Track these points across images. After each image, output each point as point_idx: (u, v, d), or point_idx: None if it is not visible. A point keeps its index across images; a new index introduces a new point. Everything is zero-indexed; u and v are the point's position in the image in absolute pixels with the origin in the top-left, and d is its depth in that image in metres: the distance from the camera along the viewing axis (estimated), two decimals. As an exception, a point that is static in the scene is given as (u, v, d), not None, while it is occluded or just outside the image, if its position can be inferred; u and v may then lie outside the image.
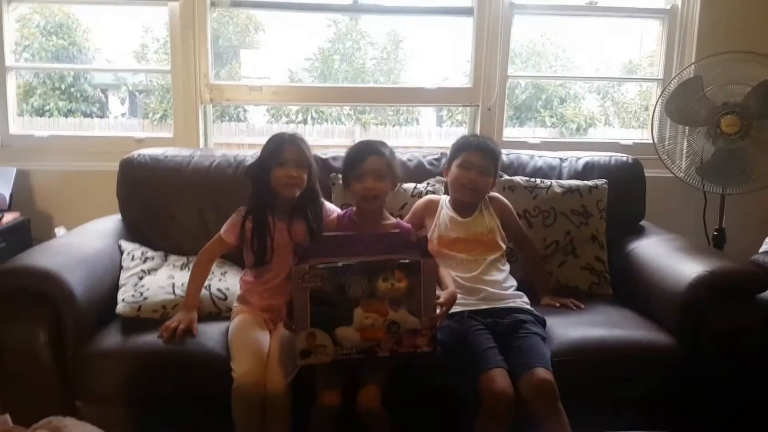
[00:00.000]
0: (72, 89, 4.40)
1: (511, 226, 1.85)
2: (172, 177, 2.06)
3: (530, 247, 1.92)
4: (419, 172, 2.13)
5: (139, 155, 2.10)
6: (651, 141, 2.44)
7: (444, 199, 1.87)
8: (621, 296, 1.95)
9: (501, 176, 1.98)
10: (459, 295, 1.62)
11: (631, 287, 1.92)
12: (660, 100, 2.31)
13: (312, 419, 1.51)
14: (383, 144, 1.73)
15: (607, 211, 2.05)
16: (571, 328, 1.69)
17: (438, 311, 1.41)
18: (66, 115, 4.11)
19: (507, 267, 1.78)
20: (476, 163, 1.75)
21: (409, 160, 2.17)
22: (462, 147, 1.82)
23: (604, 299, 1.94)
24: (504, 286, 1.71)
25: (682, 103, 2.22)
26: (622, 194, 2.11)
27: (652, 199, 2.17)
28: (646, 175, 2.17)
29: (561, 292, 1.94)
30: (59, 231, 2.19)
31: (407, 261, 1.34)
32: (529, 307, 1.68)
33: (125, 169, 2.08)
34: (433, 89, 2.43)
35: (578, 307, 1.81)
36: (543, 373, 1.43)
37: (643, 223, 2.18)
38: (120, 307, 1.66)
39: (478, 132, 2.44)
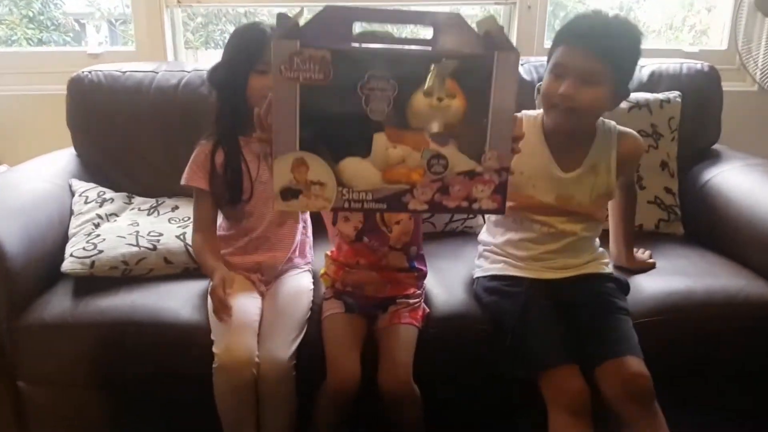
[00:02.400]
0: (41, 17, 3.92)
1: (628, 173, 1.30)
2: (132, 99, 1.63)
3: (632, 195, 1.36)
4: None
5: (90, 73, 1.66)
6: (721, 48, 2.02)
7: (534, 121, 1.22)
8: (694, 235, 1.58)
9: (628, 92, 1.20)
10: (520, 261, 1.23)
11: (709, 225, 1.54)
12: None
13: (320, 404, 1.16)
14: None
15: (679, 132, 1.64)
16: (646, 279, 1.33)
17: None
18: (38, 46, 3.62)
19: (602, 224, 1.30)
20: (572, 66, 1.09)
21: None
22: (559, 35, 1.15)
23: (675, 240, 1.57)
24: (586, 252, 1.26)
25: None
26: (697, 111, 1.68)
27: (726, 117, 1.75)
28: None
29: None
30: (1, 170, 1.78)
31: (469, 52, 0.78)
32: (611, 270, 1.27)
33: (74, 90, 1.65)
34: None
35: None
36: (635, 364, 1.06)
37: (717, 146, 1.78)
38: (67, 264, 1.27)
39: (514, 38, 1.98)
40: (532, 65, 1.75)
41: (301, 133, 0.79)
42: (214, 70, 1.25)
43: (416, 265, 1.24)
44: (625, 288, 1.25)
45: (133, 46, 1.92)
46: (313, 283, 1.30)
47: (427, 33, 0.83)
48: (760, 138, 1.97)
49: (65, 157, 1.67)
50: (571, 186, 1.20)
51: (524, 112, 1.26)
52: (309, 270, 1.34)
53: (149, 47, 1.90)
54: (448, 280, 1.32)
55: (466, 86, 0.78)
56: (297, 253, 1.32)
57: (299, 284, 1.27)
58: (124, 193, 1.57)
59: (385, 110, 0.78)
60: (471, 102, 0.79)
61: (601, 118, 1.23)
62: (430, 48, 0.80)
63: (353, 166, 0.81)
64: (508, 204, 0.86)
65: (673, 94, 1.64)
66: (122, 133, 1.64)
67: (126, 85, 1.65)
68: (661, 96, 1.63)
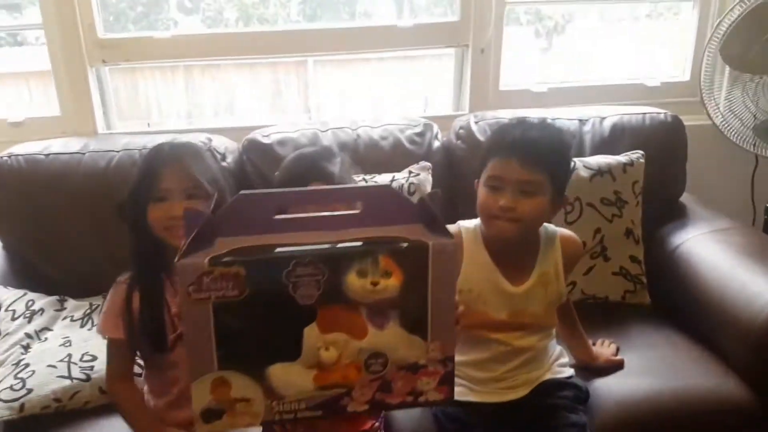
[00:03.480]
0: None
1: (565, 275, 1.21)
2: (58, 185, 1.48)
3: (567, 302, 1.25)
4: (397, 156, 1.60)
5: (10, 157, 1.50)
6: (685, 80, 1.95)
7: (474, 233, 1.17)
8: (661, 305, 1.53)
9: (566, 198, 1.16)
10: (480, 385, 1.16)
11: (677, 298, 1.49)
12: (713, 37, 1.75)
13: None
14: (331, 153, 1.19)
15: (644, 192, 1.57)
16: (610, 379, 1.28)
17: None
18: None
19: (554, 329, 1.24)
20: (509, 178, 1.06)
21: (383, 137, 1.62)
22: (489, 148, 1.14)
23: (641, 313, 1.52)
24: (545, 361, 1.21)
25: (744, 44, 1.69)
26: (660, 167, 1.62)
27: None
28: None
29: (586, 304, 1.52)
30: None
31: (403, 245, 0.70)
32: (570, 372, 1.22)
33: (-6, 177, 1.50)
34: (408, 27, 1.82)
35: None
36: None
37: (683, 198, 1.73)
38: (-6, 411, 1.17)
39: (467, 83, 1.87)
40: (487, 123, 1.65)
41: (219, 352, 0.70)
42: (122, 204, 1.10)
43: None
44: (584, 394, 1.21)
45: (58, 110, 1.75)
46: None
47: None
48: (722, 173, 1.94)
49: (-10, 251, 1.53)
50: (523, 300, 1.14)
51: (460, 223, 1.19)
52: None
53: (75, 111, 1.73)
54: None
55: (402, 262, 0.70)
56: None
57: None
58: (55, 297, 1.43)
59: (315, 294, 0.69)
60: (409, 275, 0.71)
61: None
62: (360, 243, 0.71)
63: (281, 373, 0.72)
64: (461, 324, 0.83)
65: (636, 155, 1.57)
66: (50, 224, 1.49)
67: (50, 169, 1.50)
68: (623, 159, 1.55)
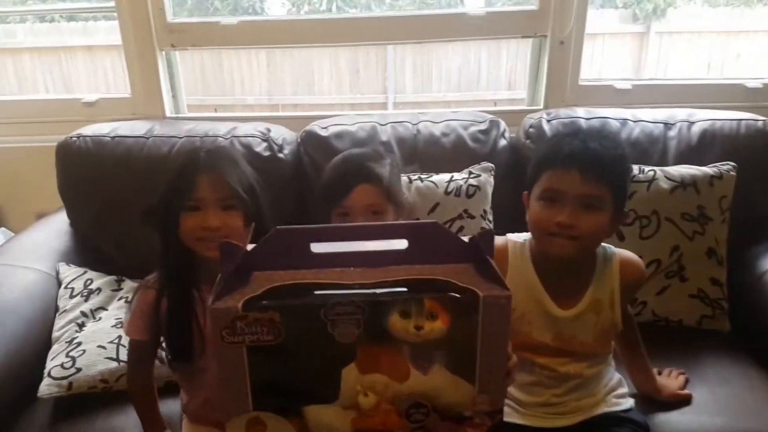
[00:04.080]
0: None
1: (625, 303, 1.10)
2: (123, 168, 1.51)
3: (630, 324, 1.14)
4: (459, 154, 1.52)
5: (78, 138, 1.55)
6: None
7: (522, 249, 1.08)
8: (741, 334, 1.39)
9: (624, 213, 1.06)
10: (526, 408, 1.09)
11: (759, 327, 1.34)
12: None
13: None
14: (380, 155, 1.14)
15: (732, 209, 1.42)
16: (675, 414, 1.16)
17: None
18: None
19: (611, 356, 1.14)
20: (570, 192, 0.97)
21: (444, 134, 1.54)
22: (545, 159, 1.03)
23: (718, 341, 1.38)
24: (597, 389, 1.11)
25: None
26: (753, 181, 1.46)
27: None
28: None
29: (657, 326, 1.40)
30: (-1, 235, 1.73)
31: (450, 295, 0.64)
32: (630, 404, 1.11)
33: (63, 157, 1.55)
34: (481, 15, 1.72)
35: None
36: None
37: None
38: (44, 388, 1.20)
39: (543, 75, 1.76)
40: (561, 122, 1.53)
41: (254, 393, 0.67)
42: (149, 209, 1.05)
43: None
44: (644, 428, 1.10)
45: (128, 92, 1.78)
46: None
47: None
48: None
49: (58, 226, 1.59)
50: (570, 325, 1.05)
51: (509, 236, 1.11)
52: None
53: (144, 94, 1.76)
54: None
55: (450, 307, 0.64)
56: None
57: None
58: (113, 278, 1.47)
59: (354, 333, 0.64)
60: (456, 320, 0.64)
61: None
62: (405, 289, 0.65)
63: (318, 415, 0.69)
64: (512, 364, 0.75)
65: (726, 167, 1.41)
66: (113, 205, 1.53)
67: (115, 152, 1.53)
68: (710, 171, 1.40)
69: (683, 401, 1.18)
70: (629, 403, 1.12)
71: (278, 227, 0.66)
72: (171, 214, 1.00)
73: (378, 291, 0.65)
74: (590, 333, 1.06)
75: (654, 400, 1.18)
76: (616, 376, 1.15)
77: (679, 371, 1.24)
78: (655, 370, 1.21)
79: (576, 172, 0.97)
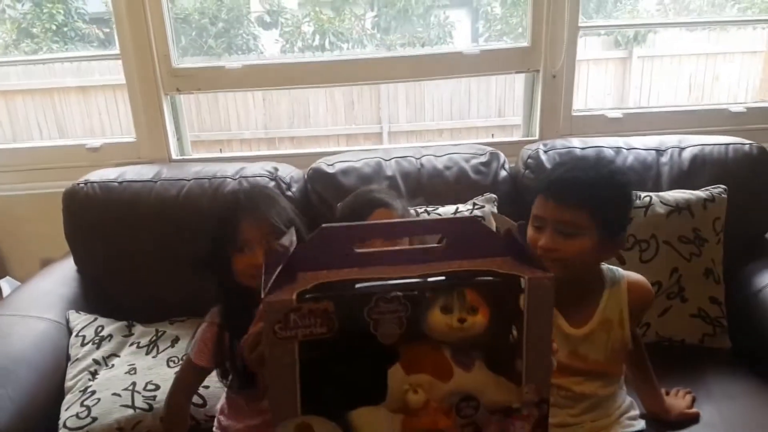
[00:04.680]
0: (65, 29, 3.89)
1: (634, 323, 1.13)
2: (131, 213, 1.54)
3: (639, 348, 1.18)
4: (462, 186, 1.56)
5: (86, 184, 1.57)
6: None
7: None
8: (742, 350, 1.42)
9: (622, 242, 1.12)
10: None
11: (759, 343, 1.38)
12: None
13: None
14: (389, 191, 1.22)
15: (726, 230, 1.47)
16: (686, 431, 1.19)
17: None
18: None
19: (623, 378, 1.17)
20: (549, 218, 1.04)
21: (447, 167, 1.59)
22: (538, 185, 1.14)
23: (720, 358, 1.41)
24: (611, 411, 1.14)
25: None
26: (744, 202, 1.51)
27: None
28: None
29: (661, 347, 1.43)
30: (4, 285, 1.73)
31: (490, 279, 0.66)
32: (640, 428, 1.14)
33: (70, 203, 1.57)
34: (476, 53, 1.78)
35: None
36: None
37: (768, 235, 1.60)
38: (61, 438, 1.21)
39: (537, 109, 1.82)
40: (557, 152, 1.59)
41: (303, 395, 0.66)
42: (199, 258, 1.11)
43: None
44: None
45: (133, 136, 1.82)
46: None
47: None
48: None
49: (65, 273, 1.60)
50: (583, 343, 1.09)
51: None
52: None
53: (149, 138, 1.80)
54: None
55: (491, 297, 0.66)
56: None
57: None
58: (123, 323, 1.48)
59: (397, 333, 0.65)
60: (496, 311, 0.66)
61: (607, 266, 1.13)
62: (443, 278, 0.66)
63: (366, 418, 0.68)
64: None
65: (717, 190, 1.46)
66: (121, 249, 1.55)
67: (123, 196, 1.56)
68: (703, 194, 1.45)
69: (692, 420, 1.21)
70: (641, 424, 1.15)
71: (323, 225, 0.68)
72: (222, 258, 1.07)
73: (421, 280, 0.66)
74: (602, 352, 1.09)
75: (663, 421, 1.21)
76: (628, 399, 1.18)
77: (686, 390, 1.27)
78: (663, 391, 1.24)
79: (551, 200, 1.04)
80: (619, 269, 1.14)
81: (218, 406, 1.21)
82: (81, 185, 1.57)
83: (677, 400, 1.25)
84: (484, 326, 0.65)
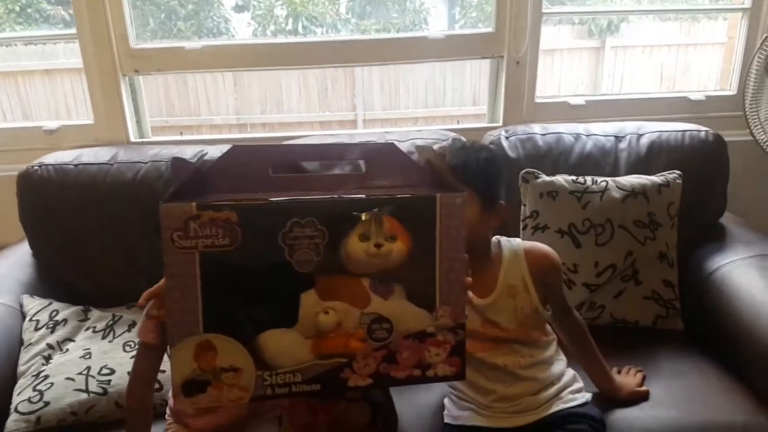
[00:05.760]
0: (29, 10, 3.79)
1: (552, 294, 1.19)
2: (86, 195, 1.51)
3: (574, 324, 1.22)
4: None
5: (40, 167, 1.54)
6: (731, 93, 1.85)
7: None
8: (693, 331, 1.46)
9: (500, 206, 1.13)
10: (485, 409, 1.14)
11: (709, 325, 1.41)
12: (760, 49, 1.66)
13: None
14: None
15: (680, 214, 1.49)
16: (634, 409, 1.21)
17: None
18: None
19: (552, 348, 1.20)
20: None
21: (410, 153, 1.57)
22: None
23: (673, 339, 1.44)
24: (548, 383, 1.16)
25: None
26: (699, 187, 1.54)
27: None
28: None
29: (615, 328, 1.46)
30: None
31: (408, 195, 0.66)
32: (584, 401, 1.16)
33: (24, 186, 1.54)
34: (441, 38, 1.78)
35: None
36: None
37: (723, 219, 1.63)
38: (10, 424, 1.18)
39: (501, 96, 1.82)
40: (518, 138, 1.60)
41: (205, 312, 0.64)
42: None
43: (384, 420, 1.14)
44: (599, 425, 1.14)
45: (91, 118, 1.78)
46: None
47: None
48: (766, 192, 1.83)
49: (20, 258, 1.57)
50: (491, 311, 1.14)
51: None
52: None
53: (107, 120, 1.76)
54: (416, 420, 1.22)
55: (408, 222, 0.66)
56: None
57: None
58: (79, 308, 1.46)
59: (314, 260, 0.64)
60: (416, 239, 0.66)
61: (506, 238, 1.20)
62: (363, 196, 0.66)
63: (275, 341, 0.66)
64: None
65: (672, 176, 1.49)
66: (77, 233, 1.52)
67: (79, 179, 1.53)
68: (658, 180, 1.47)
69: (642, 397, 1.24)
70: (585, 397, 1.17)
71: (235, 145, 0.66)
72: None
73: (337, 198, 0.65)
74: (513, 318, 1.14)
75: (614, 399, 1.23)
76: (570, 372, 1.19)
77: (636, 369, 1.30)
78: (614, 369, 1.26)
79: None
80: (517, 239, 1.20)
81: (171, 390, 1.20)
82: (35, 168, 1.54)
83: (628, 378, 1.27)
84: (404, 253, 0.65)
